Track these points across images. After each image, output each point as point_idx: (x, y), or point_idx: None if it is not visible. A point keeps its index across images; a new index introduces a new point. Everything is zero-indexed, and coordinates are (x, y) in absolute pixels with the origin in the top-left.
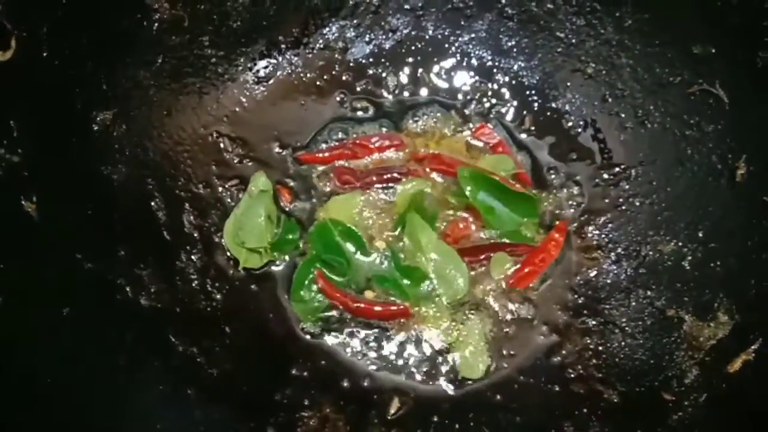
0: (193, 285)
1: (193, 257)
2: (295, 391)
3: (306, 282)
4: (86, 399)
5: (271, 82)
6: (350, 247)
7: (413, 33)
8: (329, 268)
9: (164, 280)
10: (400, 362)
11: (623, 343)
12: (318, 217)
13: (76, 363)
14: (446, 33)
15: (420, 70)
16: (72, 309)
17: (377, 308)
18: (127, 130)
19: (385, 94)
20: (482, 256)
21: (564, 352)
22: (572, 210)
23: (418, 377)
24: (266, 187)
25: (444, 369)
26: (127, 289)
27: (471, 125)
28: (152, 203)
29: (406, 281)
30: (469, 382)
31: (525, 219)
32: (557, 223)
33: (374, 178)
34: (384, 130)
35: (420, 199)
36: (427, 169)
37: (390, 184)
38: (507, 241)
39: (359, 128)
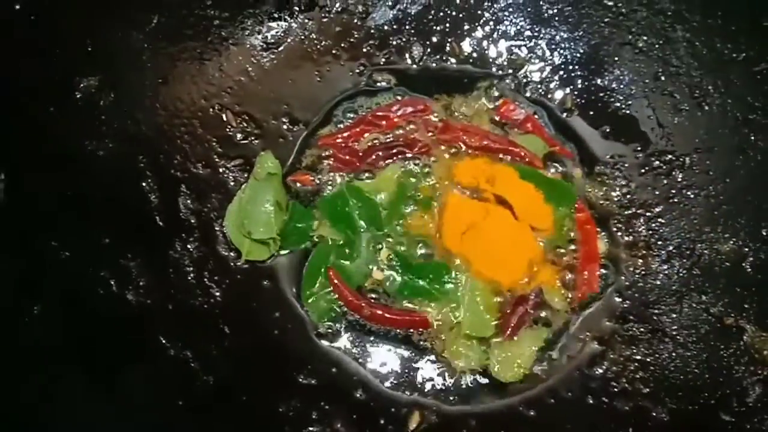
0: (189, 279)
1: (189, 247)
2: (302, 402)
3: (318, 277)
4: (59, 412)
5: (281, 48)
6: (363, 222)
7: None
8: (340, 254)
9: (155, 272)
10: (422, 372)
11: (674, 354)
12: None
13: (47, 370)
14: None
15: (449, 40)
16: (44, 306)
17: (392, 316)
18: (115, 100)
19: (409, 64)
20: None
21: (607, 363)
22: (617, 201)
23: (442, 389)
24: (275, 169)
25: (472, 381)
26: (112, 282)
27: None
28: (143, 184)
29: (422, 282)
30: (501, 397)
31: (561, 208)
32: (576, 206)
33: (380, 154)
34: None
35: (408, 184)
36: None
37: (399, 160)
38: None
39: (378, 100)
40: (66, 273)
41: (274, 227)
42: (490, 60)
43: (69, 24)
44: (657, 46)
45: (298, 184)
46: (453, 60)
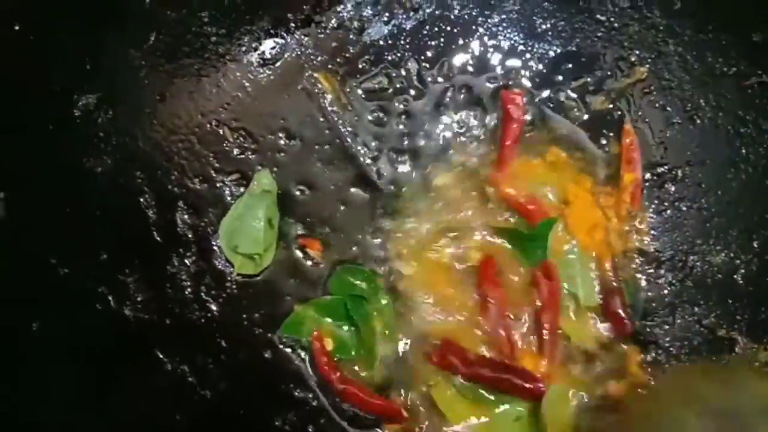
0: (186, 293)
1: (186, 261)
2: (298, 416)
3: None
4: (57, 428)
5: (278, 64)
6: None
7: (437, 12)
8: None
9: (152, 287)
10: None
11: (667, 366)
12: None
13: (45, 386)
14: (474, 13)
15: (444, 55)
16: (43, 323)
17: (364, 397)
18: (114, 117)
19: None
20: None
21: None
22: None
23: None
24: (270, 187)
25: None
26: (110, 298)
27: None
28: (141, 200)
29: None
30: None
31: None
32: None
33: None
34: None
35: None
36: None
37: None
38: None
39: None
40: (64, 289)
41: (261, 243)
42: (484, 75)
43: (67, 43)
44: (649, 60)
45: (309, 250)
46: (448, 76)
